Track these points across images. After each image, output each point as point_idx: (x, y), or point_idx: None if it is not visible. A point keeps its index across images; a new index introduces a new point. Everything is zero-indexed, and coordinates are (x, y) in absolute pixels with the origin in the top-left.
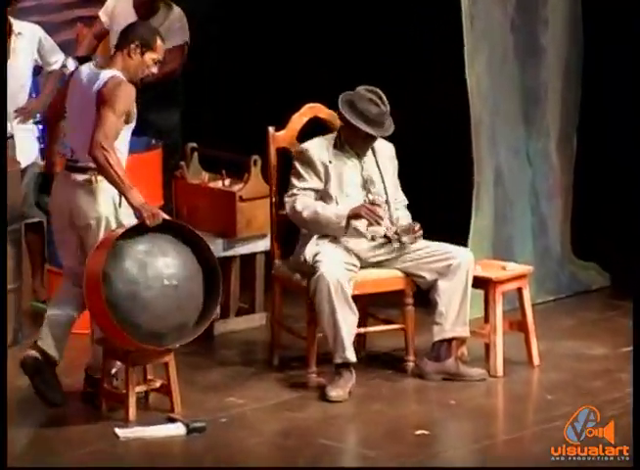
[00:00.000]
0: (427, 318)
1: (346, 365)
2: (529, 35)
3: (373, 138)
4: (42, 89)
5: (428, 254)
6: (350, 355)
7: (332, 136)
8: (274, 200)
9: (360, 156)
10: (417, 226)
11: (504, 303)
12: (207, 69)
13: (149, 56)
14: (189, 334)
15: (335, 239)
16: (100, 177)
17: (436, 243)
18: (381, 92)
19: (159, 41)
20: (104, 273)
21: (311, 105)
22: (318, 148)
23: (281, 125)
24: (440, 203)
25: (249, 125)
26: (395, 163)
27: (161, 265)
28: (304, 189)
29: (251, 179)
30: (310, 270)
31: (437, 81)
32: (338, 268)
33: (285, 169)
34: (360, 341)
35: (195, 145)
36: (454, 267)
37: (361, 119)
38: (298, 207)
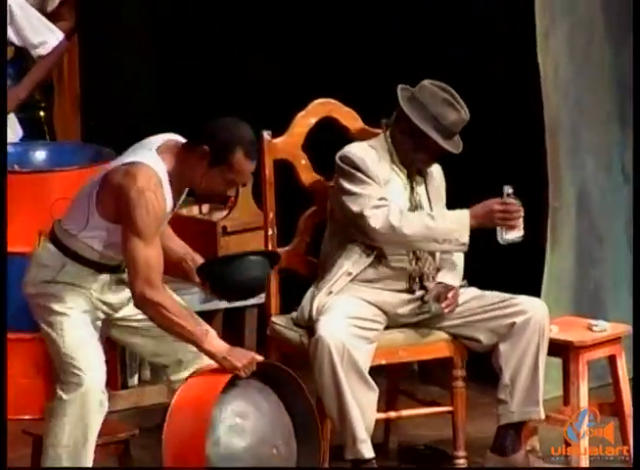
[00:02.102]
0: (483, 397)
1: (365, 462)
2: (626, 3)
3: (440, 154)
4: (28, 75)
5: (483, 308)
6: (365, 450)
7: (379, 144)
8: (271, 232)
9: (411, 174)
10: (451, 293)
11: (591, 376)
12: (179, 61)
13: (218, 171)
14: None
15: (357, 286)
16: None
17: (495, 293)
18: (453, 91)
19: (240, 155)
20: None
21: (322, 101)
22: (375, 160)
23: (280, 129)
24: None
25: None
26: (444, 188)
27: (261, 427)
28: (379, 201)
29: (238, 204)
30: (313, 328)
31: (499, 70)
32: (344, 328)
33: (286, 189)
34: (390, 428)
35: None
36: (520, 326)
37: (433, 127)
38: (395, 221)
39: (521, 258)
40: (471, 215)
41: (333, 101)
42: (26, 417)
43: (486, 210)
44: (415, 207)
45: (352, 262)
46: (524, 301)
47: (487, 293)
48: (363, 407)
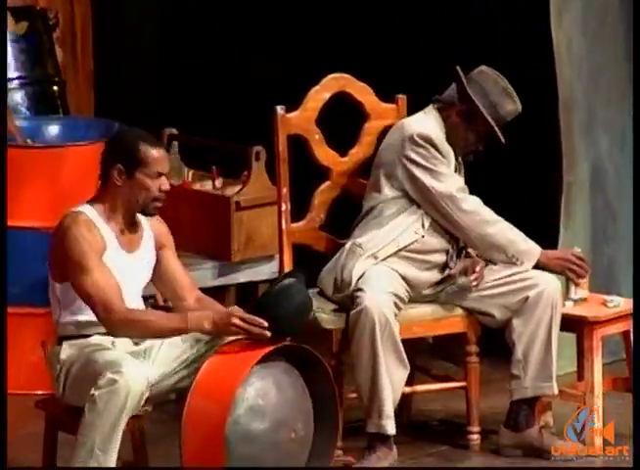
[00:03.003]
0: (496, 373)
1: (383, 438)
2: None
3: (486, 141)
4: None
5: (495, 282)
6: (389, 426)
7: (433, 120)
8: (284, 207)
9: (457, 158)
10: (478, 266)
11: (605, 352)
12: (190, 32)
13: (139, 176)
14: None
15: (397, 257)
16: None
17: (506, 266)
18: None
19: (149, 150)
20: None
21: (336, 75)
22: (443, 139)
23: (294, 104)
24: (517, 212)
25: (249, 105)
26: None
27: (281, 410)
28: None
29: (251, 179)
30: (350, 298)
31: (512, 44)
32: (387, 303)
33: (299, 164)
34: (405, 403)
35: (174, 131)
36: (533, 300)
37: (490, 114)
38: (487, 214)
39: (534, 234)
40: (543, 253)
41: (347, 76)
42: (39, 392)
43: (562, 255)
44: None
45: (403, 233)
46: (535, 274)
47: (499, 266)
48: (394, 383)
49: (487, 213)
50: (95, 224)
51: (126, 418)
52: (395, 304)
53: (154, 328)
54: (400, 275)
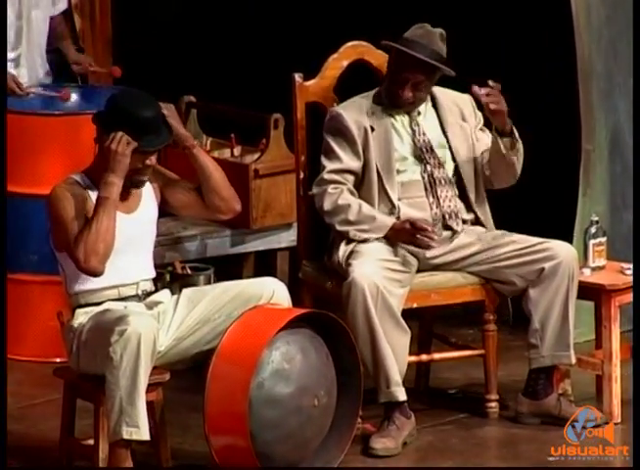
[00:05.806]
0: (515, 341)
1: (398, 406)
2: None
3: (418, 70)
4: None
5: (512, 253)
6: (398, 392)
7: (374, 92)
8: (303, 175)
9: (410, 113)
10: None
11: (623, 320)
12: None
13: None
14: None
15: None
16: None
17: (524, 237)
18: (443, 32)
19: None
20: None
21: (354, 43)
22: (355, 111)
23: (313, 72)
24: (535, 180)
25: (267, 73)
26: (479, 116)
27: (306, 375)
28: (337, 172)
29: (270, 147)
30: (343, 274)
31: (531, 12)
32: (376, 270)
33: (318, 133)
34: (423, 372)
35: (193, 99)
36: (549, 271)
37: (401, 42)
38: (327, 205)
39: (553, 202)
40: (391, 228)
41: (365, 43)
42: (58, 360)
43: (400, 228)
44: (420, 148)
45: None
46: (552, 246)
47: (517, 236)
48: (396, 351)
49: (328, 203)
50: (84, 188)
51: (145, 366)
52: (392, 269)
53: (99, 232)
54: (395, 245)
